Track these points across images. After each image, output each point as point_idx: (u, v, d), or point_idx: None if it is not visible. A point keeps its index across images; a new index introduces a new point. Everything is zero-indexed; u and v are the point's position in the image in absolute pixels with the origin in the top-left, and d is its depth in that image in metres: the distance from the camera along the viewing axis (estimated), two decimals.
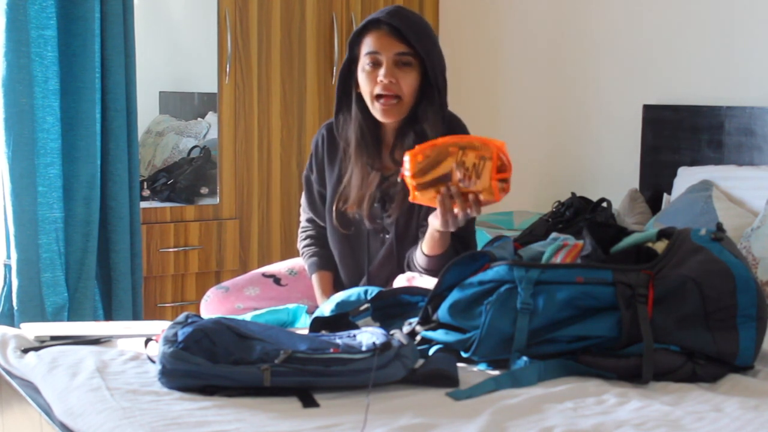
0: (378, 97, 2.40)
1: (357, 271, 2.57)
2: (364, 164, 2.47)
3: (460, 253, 2.37)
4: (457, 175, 2.13)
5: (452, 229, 2.25)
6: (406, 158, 2.17)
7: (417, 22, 2.42)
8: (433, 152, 2.15)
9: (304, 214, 2.71)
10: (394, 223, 2.48)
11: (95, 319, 3.54)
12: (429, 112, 2.42)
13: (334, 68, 4.14)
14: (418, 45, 2.37)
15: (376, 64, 2.39)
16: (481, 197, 2.16)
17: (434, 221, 2.28)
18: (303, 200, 2.70)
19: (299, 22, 4.08)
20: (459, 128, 2.49)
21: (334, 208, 2.52)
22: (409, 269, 2.46)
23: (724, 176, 3.14)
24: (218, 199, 3.96)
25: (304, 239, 2.69)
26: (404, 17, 2.40)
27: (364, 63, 2.41)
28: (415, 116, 2.43)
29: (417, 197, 2.20)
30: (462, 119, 2.55)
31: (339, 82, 2.49)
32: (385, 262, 2.51)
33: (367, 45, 2.41)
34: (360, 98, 2.46)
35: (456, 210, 2.18)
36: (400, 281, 2.42)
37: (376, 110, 2.42)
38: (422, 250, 2.37)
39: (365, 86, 2.42)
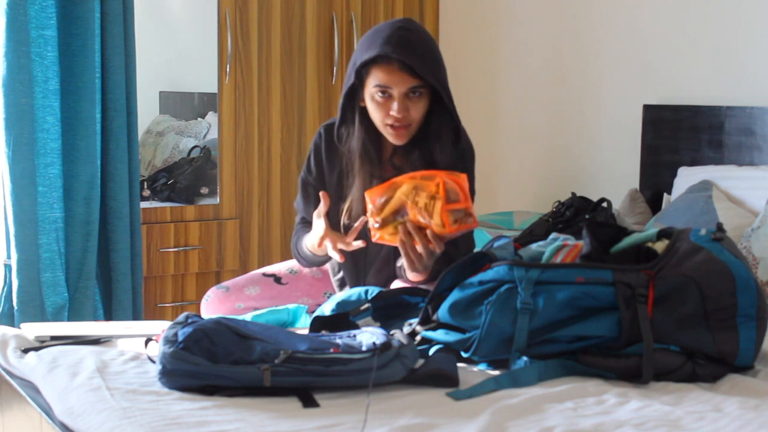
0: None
1: (356, 275, 2.57)
2: (365, 175, 2.45)
3: (453, 257, 2.38)
4: (414, 212, 2.19)
5: (421, 270, 2.25)
6: (366, 197, 2.25)
7: (425, 50, 2.35)
8: (388, 190, 2.23)
9: (299, 215, 2.68)
10: None
11: (95, 319, 3.54)
12: (438, 127, 2.42)
13: (334, 68, 4.14)
14: (429, 77, 2.33)
15: (386, 95, 2.36)
16: (435, 230, 2.19)
17: (405, 268, 2.31)
18: (299, 203, 2.65)
19: (299, 22, 4.08)
20: (467, 146, 2.49)
21: (342, 224, 2.51)
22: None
23: (724, 176, 3.14)
24: (218, 199, 3.96)
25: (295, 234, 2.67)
26: (414, 48, 2.32)
27: (373, 92, 2.36)
28: (423, 130, 2.43)
29: (380, 236, 2.25)
30: (463, 121, 2.54)
31: (343, 100, 2.45)
32: (382, 267, 2.51)
33: (377, 77, 2.34)
34: (363, 111, 2.43)
35: (418, 247, 2.21)
36: (398, 282, 2.42)
37: (386, 134, 2.41)
38: (407, 277, 2.36)
39: (375, 114, 2.39)
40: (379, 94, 2.36)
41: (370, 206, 2.25)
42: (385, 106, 2.36)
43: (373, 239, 2.28)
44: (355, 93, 2.43)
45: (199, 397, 1.74)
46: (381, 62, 2.33)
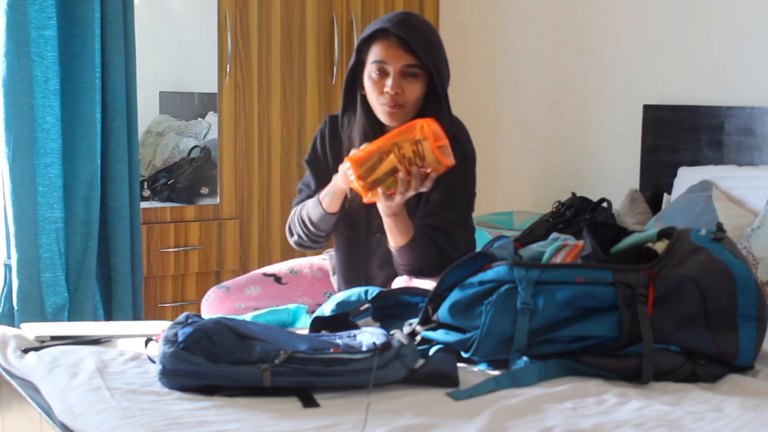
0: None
1: (357, 272, 2.57)
2: None
3: (441, 246, 2.39)
4: (403, 167, 2.25)
5: (398, 204, 2.31)
6: (347, 165, 2.29)
7: (425, 33, 2.41)
8: (374, 153, 2.27)
9: (301, 194, 2.65)
10: None
11: (95, 319, 3.54)
12: (434, 115, 2.42)
13: (335, 68, 4.14)
14: (425, 57, 2.38)
15: (383, 73, 2.40)
16: (433, 173, 2.27)
17: (381, 207, 2.37)
18: (307, 181, 2.63)
19: (299, 22, 4.08)
20: (462, 135, 2.49)
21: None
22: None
23: (724, 176, 3.14)
24: (218, 199, 3.96)
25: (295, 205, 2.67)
26: (412, 27, 2.39)
27: (371, 70, 2.42)
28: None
29: (371, 197, 2.30)
30: (463, 120, 2.55)
31: (345, 84, 2.50)
32: (382, 263, 2.52)
33: (375, 53, 2.41)
34: (364, 100, 2.48)
35: (410, 191, 2.29)
36: (399, 283, 2.42)
37: (381, 113, 2.44)
38: (390, 246, 2.41)
39: (372, 92, 2.44)
40: (376, 72, 2.41)
41: (352, 172, 2.27)
42: (380, 83, 2.41)
43: (365, 200, 2.32)
44: (356, 79, 2.47)
45: (199, 397, 1.74)
46: (380, 38, 2.40)
